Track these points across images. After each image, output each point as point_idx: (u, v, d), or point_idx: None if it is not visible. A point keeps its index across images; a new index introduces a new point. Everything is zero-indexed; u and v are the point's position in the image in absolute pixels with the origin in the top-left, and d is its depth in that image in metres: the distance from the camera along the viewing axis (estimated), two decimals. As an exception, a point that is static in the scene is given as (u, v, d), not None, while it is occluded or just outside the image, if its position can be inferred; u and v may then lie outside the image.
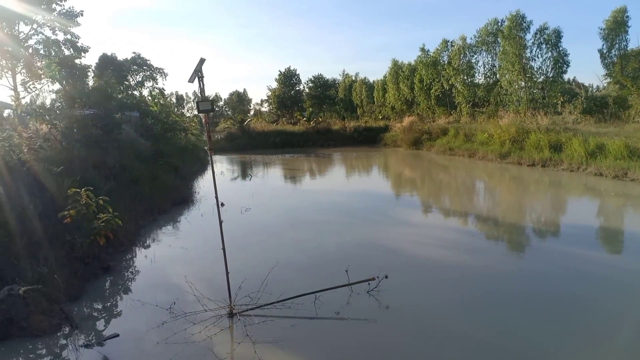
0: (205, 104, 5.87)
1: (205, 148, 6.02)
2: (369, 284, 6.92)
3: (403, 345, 5.44)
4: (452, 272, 7.77)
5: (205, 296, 6.38)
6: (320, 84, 64.73)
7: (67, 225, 8.15)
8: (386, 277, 6.91)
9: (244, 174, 23.40)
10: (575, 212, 12.54)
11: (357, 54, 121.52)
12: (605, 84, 31.60)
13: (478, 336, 5.57)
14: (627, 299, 6.38)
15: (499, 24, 30.66)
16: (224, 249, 6.17)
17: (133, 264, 8.77)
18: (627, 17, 28.68)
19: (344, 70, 68.49)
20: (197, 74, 5.81)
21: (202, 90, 5.87)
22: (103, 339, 5.67)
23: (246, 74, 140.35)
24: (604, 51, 29.71)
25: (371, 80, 55.01)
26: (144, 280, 7.87)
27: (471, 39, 33.63)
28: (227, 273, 6.15)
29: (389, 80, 45.21)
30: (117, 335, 5.73)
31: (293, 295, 6.43)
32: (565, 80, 31.78)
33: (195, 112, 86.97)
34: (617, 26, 28.55)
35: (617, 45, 29.17)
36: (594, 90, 34.25)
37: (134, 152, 17.10)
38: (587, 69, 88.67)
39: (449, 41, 36.15)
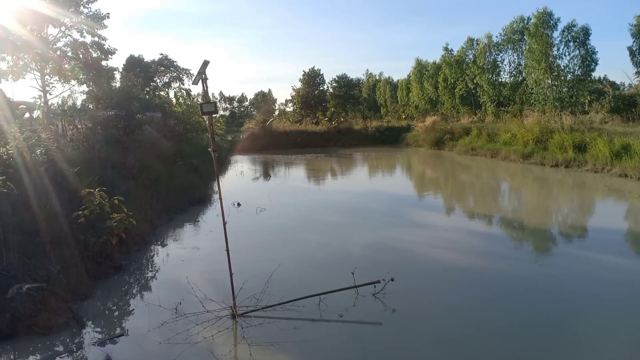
0: (209, 105, 5.91)
1: (210, 150, 6.03)
2: (375, 286, 6.84)
3: (408, 349, 5.37)
4: (463, 276, 7.63)
5: (210, 297, 6.42)
6: (344, 84, 64.62)
7: (81, 225, 8.32)
8: (392, 279, 6.83)
9: (264, 174, 23.54)
10: (597, 215, 12.18)
11: (381, 52, 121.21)
12: (636, 82, 30.58)
13: (485, 342, 5.45)
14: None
15: (525, 21, 30.02)
16: (227, 250, 6.19)
17: (145, 263, 8.89)
18: (660, 12, 27.74)
19: (367, 70, 68.33)
20: (201, 75, 5.85)
21: (205, 92, 5.92)
22: (108, 338, 5.76)
23: (272, 74, 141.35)
24: (634, 48, 28.71)
25: (395, 80, 54.68)
26: (153, 280, 7.99)
27: (497, 37, 33.08)
28: (231, 274, 6.18)
29: (412, 80, 44.86)
30: (122, 335, 5.83)
31: (297, 297, 6.41)
32: (595, 78, 30.95)
33: (221, 112, 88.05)
34: (648, 22, 27.54)
35: (649, 43, 28.13)
36: (624, 89, 33.22)
37: (155, 152, 17.37)
38: (618, 67, 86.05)
39: (474, 39, 35.65)
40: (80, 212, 8.20)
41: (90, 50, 30.38)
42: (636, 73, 29.83)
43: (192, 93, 44.06)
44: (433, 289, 7.16)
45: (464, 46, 36.47)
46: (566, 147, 19.10)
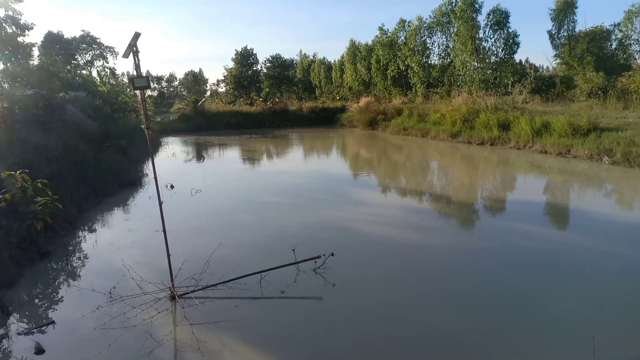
0: (141, 80, 5.64)
1: (143, 127, 5.79)
2: (316, 262, 6.94)
3: (348, 321, 5.50)
4: (398, 249, 7.92)
5: (147, 280, 6.24)
6: (278, 64, 63.87)
7: (2, 210, 7.77)
8: (332, 254, 6.96)
9: (198, 156, 22.98)
10: (520, 189, 12.96)
11: (317, 33, 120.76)
12: (554, 65, 32.58)
13: (418, 310, 5.72)
14: (561, 270, 6.67)
15: (453, 4, 30.95)
16: (164, 230, 6.02)
17: (74, 248, 8.46)
18: (576, -3, 29.51)
19: (301, 50, 67.78)
20: (132, 48, 5.57)
21: (137, 65, 5.63)
22: (38, 326, 5.47)
23: (204, 53, 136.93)
24: (553, 32, 30.55)
25: (330, 61, 54.73)
26: (84, 265, 7.63)
27: (427, 19, 33.87)
28: (169, 255, 6.01)
29: (346, 61, 45.08)
30: (53, 322, 5.55)
31: (237, 276, 6.38)
32: (517, 61, 32.61)
33: (149, 92, 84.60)
34: (567, 7, 29.34)
35: (565, 27, 30.02)
36: (544, 71, 35.30)
37: (80, 134, 16.43)
38: (539, 50, 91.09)
39: (405, 21, 36.28)
40: (0, 197, 7.65)
41: (4, 25, 28.11)
42: (555, 55, 31.84)
43: (117, 72, 41.95)
44: (370, 263, 7.36)
45: (396, 28, 37.07)
46: (491, 125, 20.08)
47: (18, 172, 8.06)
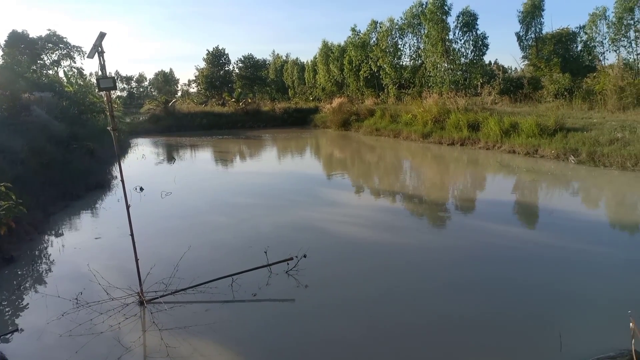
0: (107, 81, 5.54)
1: (108, 128, 5.67)
2: (288, 264, 6.92)
3: (322, 321, 5.51)
4: (371, 249, 7.98)
5: (114, 285, 6.11)
6: (251, 64, 63.52)
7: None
8: (305, 256, 6.95)
9: (168, 157, 22.65)
10: (490, 189, 13.22)
11: (289, 33, 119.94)
12: (522, 66, 33.29)
13: (392, 307, 5.77)
14: (528, 267, 6.84)
15: (424, 6, 31.30)
16: (132, 234, 5.91)
17: (40, 253, 8.24)
18: (543, 1, 30.20)
19: (274, 51, 67.40)
20: (97, 49, 5.45)
21: (102, 66, 5.53)
22: (2, 334, 5.30)
23: (173, 53, 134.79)
24: (521, 34, 31.19)
25: (303, 61, 54.66)
26: (50, 271, 7.43)
27: (398, 20, 34.20)
28: (137, 260, 5.90)
29: (319, 62, 45.08)
30: (17, 330, 5.39)
31: (208, 280, 6.31)
32: (486, 62, 33.20)
33: (118, 92, 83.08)
34: (534, 9, 29.99)
35: (533, 29, 30.68)
36: (512, 72, 36.02)
37: (47, 135, 16.02)
38: (507, 52, 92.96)
39: (377, 22, 36.53)
40: (-41, 201, 7.39)
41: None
42: (523, 57, 32.53)
43: (85, 72, 41.02)
44: (343, 263, 7.38)
45: (368, 29, 37.31)
46: (461, 126, 20.40)
47: (-21, 175, 7.80)
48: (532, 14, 30.40)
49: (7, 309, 6.11)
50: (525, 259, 7.21)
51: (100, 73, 5.55)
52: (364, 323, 5.43)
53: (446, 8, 28.76)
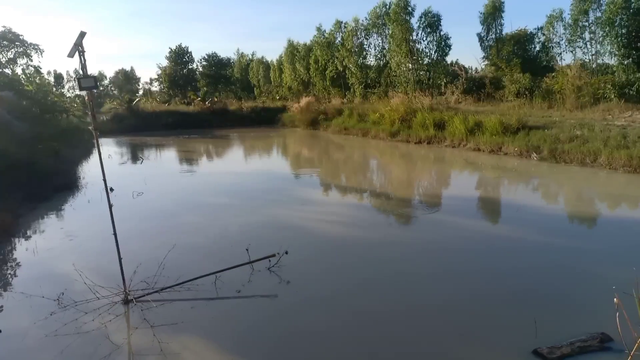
0: (88, 80, 5.51)
1: (90, 128, 5.67)
2: (270, 260, 7.03)
3: (304, 317, 5.64)
4: (347, 245, 8.19)
5: (98, 284, 6.07)
6: (215, 63, 62.87)
7: None
8: (286, 252, 7.07)
9: (135, 157, 22.26)
10: (457, 185, 13.66)
11: (252, 32, 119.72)
12: (483, 67, 34.24)
13: (371, 299, 5.98)
14: (494, 258, 7.18)
15: (387, 7, 31.78)
16: (115, 234, 5.90)
17: (12, 256, 8.04)
18: (503, 2, 31.20)
19: (238, 49, 66.66)
20: (78, 47, 5.43)
21: (83, 65, 5.50)
22: (-19, 337, 5.20)
23: (134, 51, 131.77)
24: (482, 35, 32.10)
25: (268, 60, 54.47)
26: (25, 273, 7.26)
27: (363, 21, 34.60)
28: (120, 258, 5.89)
29: (285, 61, 45.06)
30: (-2, 333, 5.30)
31: (192, 278, 6.35)
32: (448, 62, 33.95)
33: (77, 91, 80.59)
34: (495, 11, 30.93)
35: (494, 30, 31.63)
36: (473, 72, 37.01)
37: (8, 136, 15.52)
38: (468, 52, 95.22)
39: (342, 22, 36.83)
40: None
41: None
42: (483, 57, 33.48)
43: (42, 71, 39.57)
44: (322, 259, 7.55)
45: (333, 29, 37.57)
46: (427, 125, 20.88)
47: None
48: (492, 15, 31.33)
49: (-15, 313, 5.97)
50: (497, 250, 7.59)
51: (80, 72, 5.51)
52: (345, 314, 5.62)
53: (410, 9, 29.31)
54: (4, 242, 8.73)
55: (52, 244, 8.70)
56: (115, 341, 5.02)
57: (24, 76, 26.75)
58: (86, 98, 5.89)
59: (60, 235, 9.32)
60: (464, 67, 32.04)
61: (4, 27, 51.23)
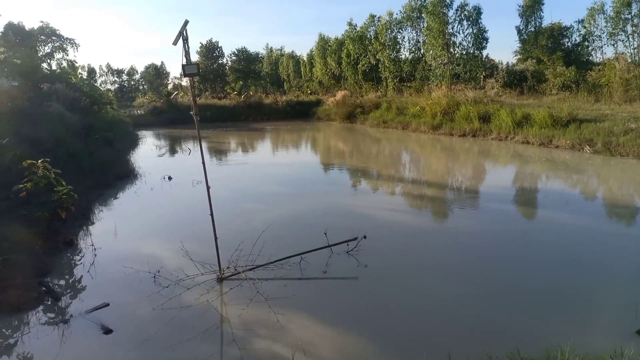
0: (192, 67, 5.75)
1: (191, 113, 5.89)
2: (348, 245, 7.19)
3: (383, 298, 5.82)
4: (413, 231, 8.43)
5: (193, 262, 6.36)
6: (244, 58, 63.45)
7: (18, 200, 7.63)
8: (365, 237, 7.22)
9: (180, 149, 22.70)
10: (517, 177, 13.51)
11: (282, 26, 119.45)
12: (514, 61, 33.69)
13: (446, 281, 6.20)
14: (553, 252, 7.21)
15: (423, 0, 31.60)
16: (212, 214, 6.16)
17: (96, 237, 8.32)
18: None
19: (268, 44, 66.89)
20: (182, 35, 5.65)
21: (187, 53, 5.71)
22: (93, 308, 5.49)
23: (163, 46, 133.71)
24: (521, 28, 31.70)
25: (298, 55, 54.68)
26: (112, 253, 7.51)
27: (397, 14, 34.46)
28: (216, 238, 6.15)
29: (316, 55, 45.18)
30: (107, 305, 5.58)
31: (281, 258, 6.58)
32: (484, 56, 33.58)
33: (109, 85, 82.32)
34: (534, 3, 30.52)
35: (532, 22, 31.22)
36: (511, 66, 36.51)
37: (64, 127, 16.00)
38: (498, 46, 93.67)
39: (375, 16, 36.75)
40: (22, 186, 7.51)
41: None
42: (515, 52, 33.03)
43: (77, 65, 40.27)
44: (395, 246, 7.69)
45: (366, 22, 37.52)
46: (472, 118, 20.72)
47: (39, 161, 7.95)
48: (532, 8, 30.93)
49: (83, 289, 6.26)
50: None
51: (184, 60, 5.73)
52: (424, 294, 5.88)
53: (448, 1, 29.09)
54: (84, 224, 9.09)
55: (129, 226, 9.06)
56: (214, 316, 5.32)
57: (70, 69, 27.45)
58: (188, 84, 6.10)
59: (134, 218, 9.72)
60: (493, 61, 31.77)
61: (41, 22, 52.15)
